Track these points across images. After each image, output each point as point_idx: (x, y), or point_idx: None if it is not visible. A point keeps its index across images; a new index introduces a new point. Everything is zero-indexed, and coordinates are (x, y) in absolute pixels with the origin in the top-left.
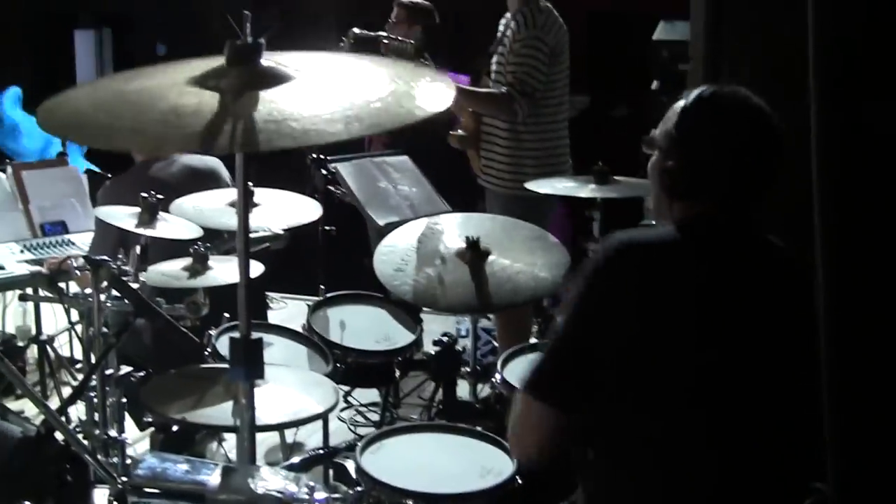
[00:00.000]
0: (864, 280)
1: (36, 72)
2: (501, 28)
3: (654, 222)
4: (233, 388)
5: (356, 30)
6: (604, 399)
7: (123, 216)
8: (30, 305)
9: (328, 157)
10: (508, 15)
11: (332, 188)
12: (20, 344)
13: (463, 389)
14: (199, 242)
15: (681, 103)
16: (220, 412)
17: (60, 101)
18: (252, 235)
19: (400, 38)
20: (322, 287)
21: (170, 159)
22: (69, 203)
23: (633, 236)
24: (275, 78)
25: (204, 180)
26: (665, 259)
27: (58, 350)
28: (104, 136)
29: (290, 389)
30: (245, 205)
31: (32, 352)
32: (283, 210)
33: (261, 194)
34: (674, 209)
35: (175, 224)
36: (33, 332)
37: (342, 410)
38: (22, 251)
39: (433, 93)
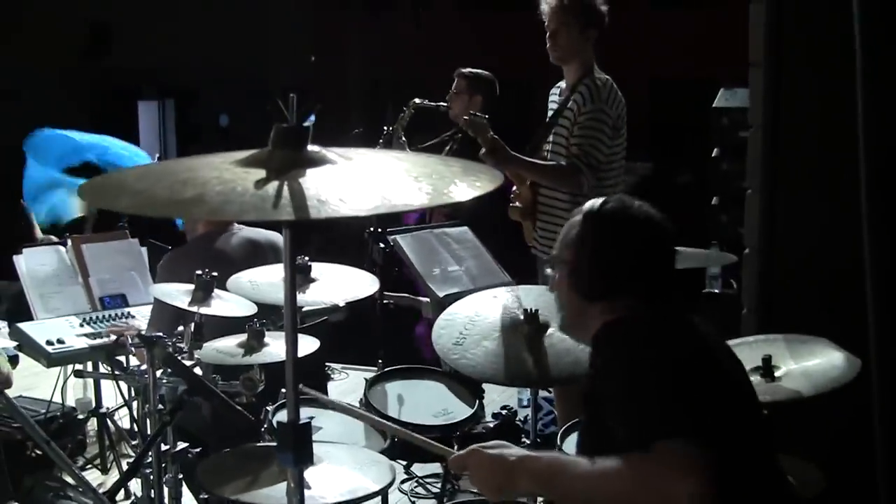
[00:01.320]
0: None
1: None
2: (555, 100)
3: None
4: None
5: (417, 99)
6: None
7: (177, 294)
8: (90, 378)
9: (387, 230)
10: (562, 85)
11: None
12: (80, 416)
13: None
14: (255, 319)
15: (573, 219)
16: (275, 492)
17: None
18: (311, 308)
19: (477, 112)
20: (380, 360)
21: (230, 232)
22: (129, 276)
23: (648, 317)
24: (319, 160)
25: (264, 253)
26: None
27: (118, 423)
28: (169, 205)
29: (346, 467)
30: (292, 280)
31: (92, 424)
32: (340, 284)
33: (318, 268)
34: (594, 310)
35: (229, 301)
36: (93, 404)
37: (403, 482)
38: (82, 325)
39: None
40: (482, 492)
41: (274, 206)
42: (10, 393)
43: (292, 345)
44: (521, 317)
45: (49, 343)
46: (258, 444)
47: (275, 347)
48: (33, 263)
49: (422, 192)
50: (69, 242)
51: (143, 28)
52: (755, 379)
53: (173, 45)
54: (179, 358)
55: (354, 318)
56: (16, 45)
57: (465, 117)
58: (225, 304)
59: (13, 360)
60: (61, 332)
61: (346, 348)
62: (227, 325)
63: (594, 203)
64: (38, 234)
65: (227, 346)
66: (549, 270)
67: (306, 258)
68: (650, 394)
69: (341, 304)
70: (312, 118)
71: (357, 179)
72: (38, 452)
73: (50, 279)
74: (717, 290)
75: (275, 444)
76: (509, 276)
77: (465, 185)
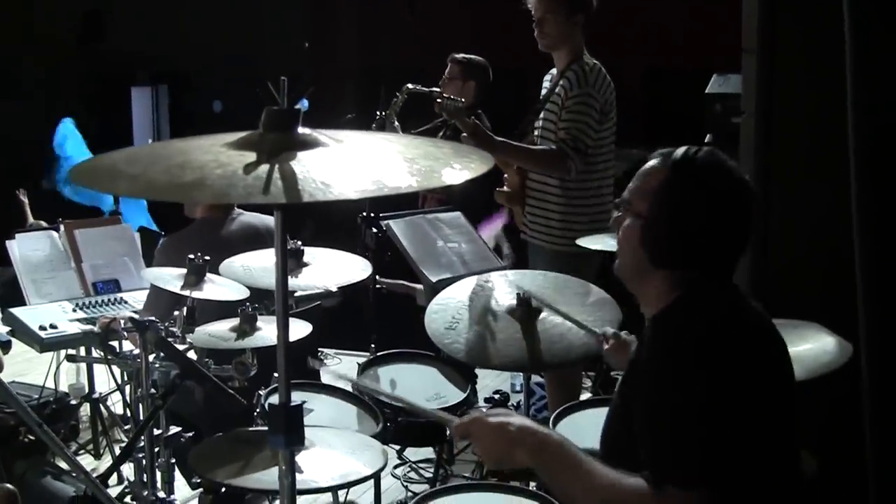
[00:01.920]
0: None
1: (94, 128)
2: (547, 85)
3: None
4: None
5: (410, 84)
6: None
7: (170, 278)
8: (83, 363)
9: (380, 215)
10: (553, 72)
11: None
12: (73, 402)
13: None
14: (247, 303)
15: (653, 163)
16: (268, 476)
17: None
18: (304, 293)
19: (452, 96)
20: (373, 345)
21: (230, 217)
22: (122, 261)
23: (709, 317)
24: (310, 143)
25: (263, 239)
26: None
27: (111, 408)
28: (169, 189)
29: (338, 451)
30: (284, 263)
31: (85, 409)
32: (333, 269)
33: (311, 253)
34: (656, 276)
35: (222, 285)
36: (86, 390)
37: (396, 467)
38: (74, 310)
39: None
40: (483, 459)
41: (265, 190)
42: (3, 378)
43: (283, 329)
44: (493, 304)
45: (42, 328)
46: (250, 429)
47: (267, 332)
48: (26, 249)
49: (414, 174)
50: (62, 228)
51: (137, 14)
52: None
53: (167, 31)
54: (172, 342)
55: (347, 303)
56: (9, 31)
57: (438, 101)
58: (217, 288)
59: (5, 346)
60: (54, 318)
61: (340, 333)
62: (221, 310)
63: (684, 151)
64: (30, 219)
65: (219, 331)
66: (615, 213)
67: (299, 242)
68: (679, 431)
69: (334, 288)
70: (306, 103)
71: (348, 162)
72: (31, 438)
73: (43, 264)
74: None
75: (266, 427)
76: (502, 261)
77: (458, 167)
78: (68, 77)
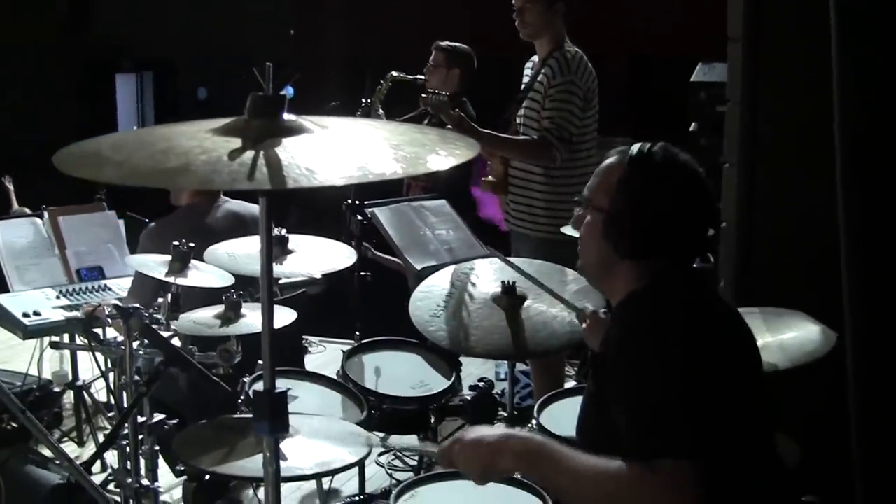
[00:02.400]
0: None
1: (78, 116)
2: (529, 74)
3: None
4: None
5: (395, 72)
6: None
7: (154, 265)
8: (66, 350)
9: (365, 202)
10: (535, 59)
11: (364, 243)
12: (56, 389)
13: None
14: (232, 290)
15: (611, 161)
16: (252, 463)
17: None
18: (288, 281)
19: (436, 88)
20: (357, 333)
21: (216, 204)
22: (106, 248)
23: (679, 298)
24: (296, 129)
25: (248, 226)
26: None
27: (94, 395)
28: (154, 175)
29: (323, 439)
30: (269, 250)
31: (69, 397)
32: (318, 256)
33: (295, 240)
34: (622, 267)
35: (206, 272)
36: (70, 377)
37: (380, 455)
38: (58, 297)
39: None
40: (470, 477)
41: (250, 176)
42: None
43: (268, 315)
44: (478, 291)
45: (25, 315)
46: (234, 416)
47: (252, 319)
48: (9, 235)
49: (399, 161)
50: (46, 214)
51: (122, 1)
52: None
53: (151, 19)
54: (156, 329)
55: (332, 290)
56: None
57: (423, 95)
58: (202, 275)
59: None
60: (37, 305)
61: (325, 321)
62: (206, 297)
63: (639, 147)
64: (15, 205)
65: (204, 318)
66: (577, 210)
67: (283, 230)
68: (663, 404)
69: (318, 276)
70: (291, 91)
71: (334, 148)
72: (14, 425)
73: (26, 251)
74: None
75: (251, 414)
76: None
77: (444, 153)
78: (53, 64)
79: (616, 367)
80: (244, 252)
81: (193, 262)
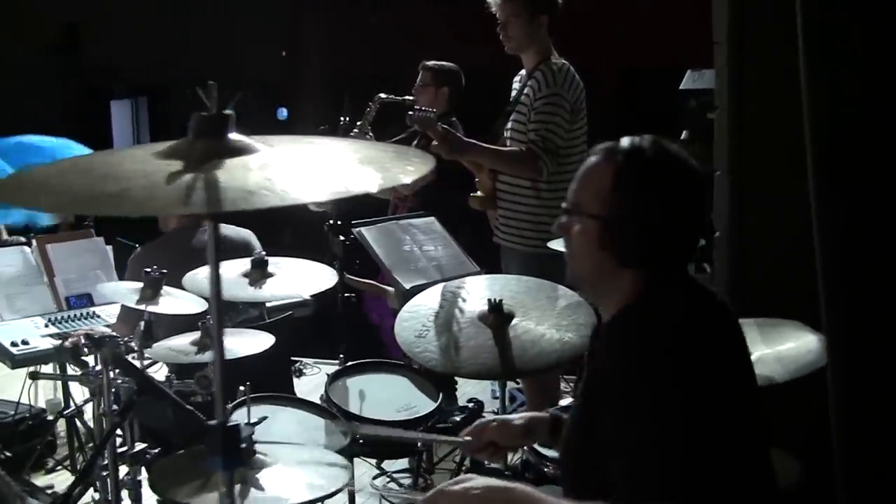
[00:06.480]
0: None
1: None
2: (517, 87)
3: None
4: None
5: (382, 94)
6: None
7: (126, 292)
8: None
9: (351, 222)
10: (523, 72)
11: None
12: (49, 418)
13: None
14: (207, 315)
15: (596, 162)
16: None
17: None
18: (276, 304)
19: (424, 106)
20: (342, 356)
21: (202, 228)
22: (94, 275)
23: (673, 321)
24: (240, 150)
25: (236, 251)
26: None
27: (88, 423)
28: (90, 201)
29: (299, 468)
30: (216, 274)
31: (62, 425)
32: (299, 278)
33: (276, 263)
34: (625, 277)
35: (180, 298)
36: (62, 405)
37: (375, 478)
38: (47, 325)
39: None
40: None
41: (185, 201)
42: None
43: (219, 346)
44: (464, 310)
45: (14, 344)
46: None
47: (230, 344)
48: None
49: (346, 179)
50: (34, 243)
51: (114, 27)
52: None
53: (144, 44)
54: (132, 357)
55: (317, 312)
56: None
57: (410, 112)
58: (174, 301)
59: None
60: (26, 333)
61: (312, 343)
62: (180, 324)
63: (629, 143)
64: (4, 234)
65: (179, 345)
66: (562, 218)
67: (263, 252)
68: (657, 445)
69: (307, 297)
70: (285, 113)
71: (278, 168)
72: (7, 455)
73: (15, 280)
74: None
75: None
76: (477, 266)
77: (397, 170)
78: (48, 91)
79: (607, 398)
80: (225, 276)
81: (167, 288)
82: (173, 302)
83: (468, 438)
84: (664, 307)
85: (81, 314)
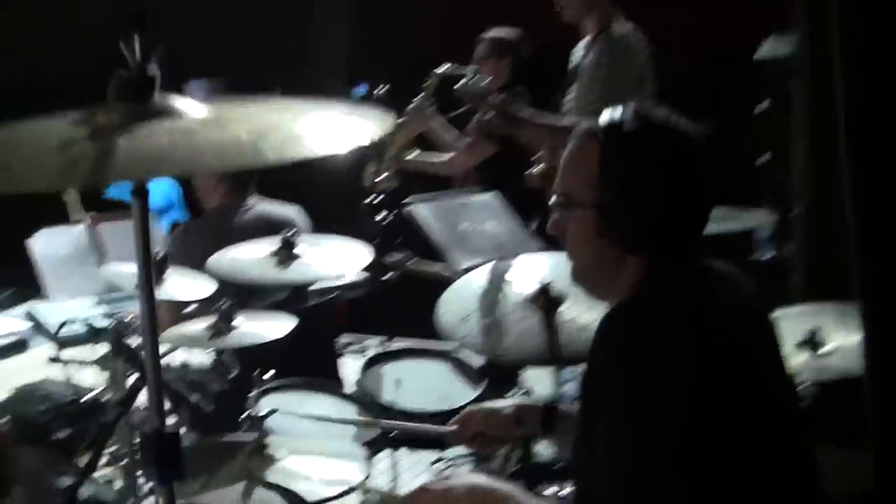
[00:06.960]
0: None
1: None
2: (576, 58)
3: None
4: (248, 465)
5: (439, 69)
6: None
7: (127, 275)
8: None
9: (400, 201)
10: (582, 44)
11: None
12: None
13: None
14: (223, 298)
15: (577, 146)
16: (231, 493)
17: None
18: (319, 286)
19: (480, 75)
20: (385, 338)
21: (245, 206)
22: None
23: (668, 324)
24: (164, 113)
25: (279, 229)
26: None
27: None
28: None
29: (323, 461)
30: (147, 268)
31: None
32: (330, 256)
33: (310, 241)
34: (628, 264)
35: (186, 281)
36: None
37: (432, 464)
38: (96, 305)
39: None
40: None
41: (62, 175)
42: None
43: (151, 345)
44: (513, 292)
45: (62, 325)
46: (221, 439)
47: (247, 329)
48: (49, 244)
49: (273, 146)
50: (87, 221)
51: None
52: (800, 358)
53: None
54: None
55: (369, 291)
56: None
57: (455, 87)
58: (179, 285)
59: (22, 346)
60: (74, 314)
61: (366, 322)
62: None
63: (608, 118)
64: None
65: (193, 330)
66: (555, 215)
67: (293, 230)
68: (648, 467)
69: (357, 277)
70: (363, 90)
71: (194, 135)
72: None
73: (66, 259)
74: (764, 257)
75: (245, 436)
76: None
77: (339, 136)
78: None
79: (602, 408)
80: (247, 257)
81: (172, 270)
82: (178, 286)
83: (454, 428)
84: (664, 298)
85: (133, 294)
